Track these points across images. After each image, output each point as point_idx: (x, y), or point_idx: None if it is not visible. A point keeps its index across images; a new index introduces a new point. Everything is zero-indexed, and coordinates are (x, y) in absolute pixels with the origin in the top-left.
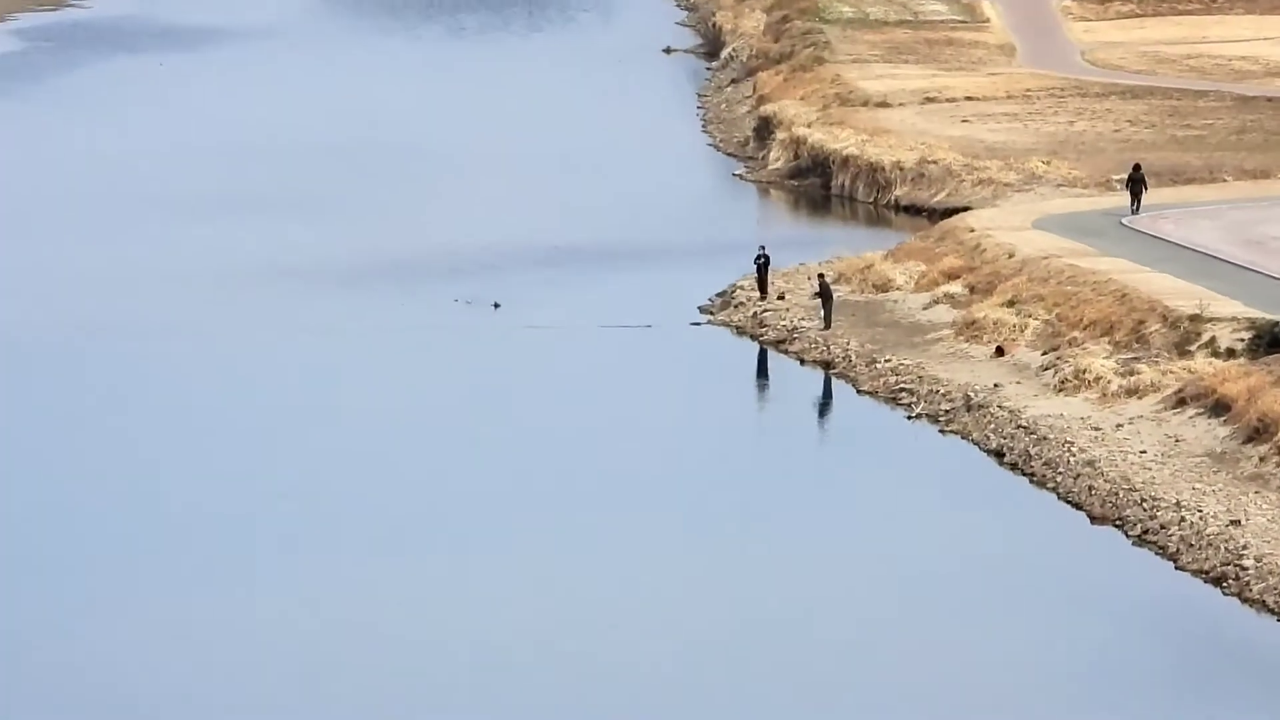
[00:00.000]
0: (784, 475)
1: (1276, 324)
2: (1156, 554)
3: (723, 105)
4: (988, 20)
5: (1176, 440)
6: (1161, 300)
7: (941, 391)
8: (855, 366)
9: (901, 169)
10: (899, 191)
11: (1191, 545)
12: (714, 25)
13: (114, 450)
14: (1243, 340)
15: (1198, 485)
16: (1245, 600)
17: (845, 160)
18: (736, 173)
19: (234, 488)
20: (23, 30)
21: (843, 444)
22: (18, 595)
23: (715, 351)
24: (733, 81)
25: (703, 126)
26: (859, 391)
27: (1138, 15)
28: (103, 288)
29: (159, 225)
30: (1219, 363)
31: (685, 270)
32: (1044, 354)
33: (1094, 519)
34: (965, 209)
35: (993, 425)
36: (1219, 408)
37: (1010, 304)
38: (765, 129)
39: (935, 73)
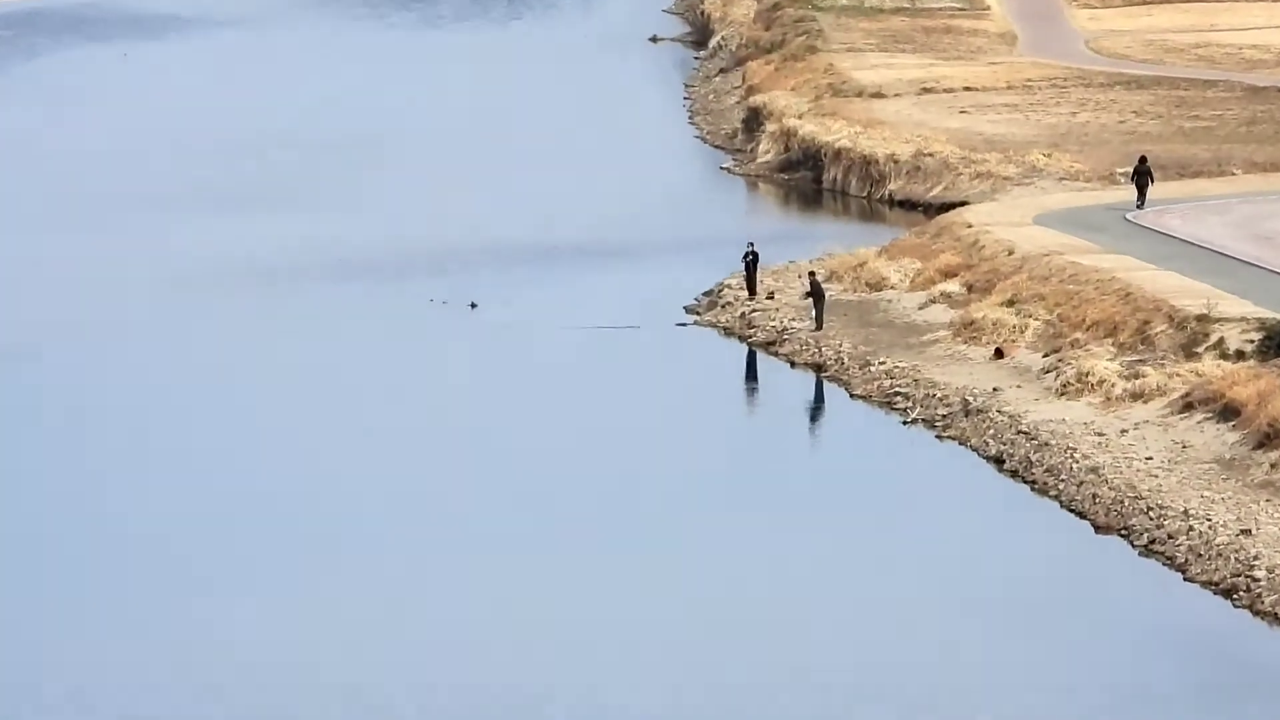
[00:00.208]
0: (773, 484)
1: None
2: (1164, 565)
3: (711, 96)
4: (988, 7)
5: (1184, 446)
6: (1168, 299)
7: (938, 395)
8: (848, 369)
9: (896, 162)
10: (894, 185)
11: (1200, 556)
12: (702, 12)
13: (82, 454)
14: (1252, 341)
15: (1206, 493)
16: (1257, 613)
17: (838, 153)
18: (724, 166)
19: (200, 494)
20: None
21: (835, 451)
22: None
23: (701, 354)
24: (721, 71)
25: (690, 118)
26: (852, 396)
27: (1144, 2)
28: (66, 287)
29: (122, 222)
30: (1228, 365)
31: (670, 268)
32: (1045, 356)
33: (1098, 528)
34: (963, 204)
35: (992, 431)
36: (1228, 412)
37: (1010, 303)
38: (755, 120)
39: (932, 62)
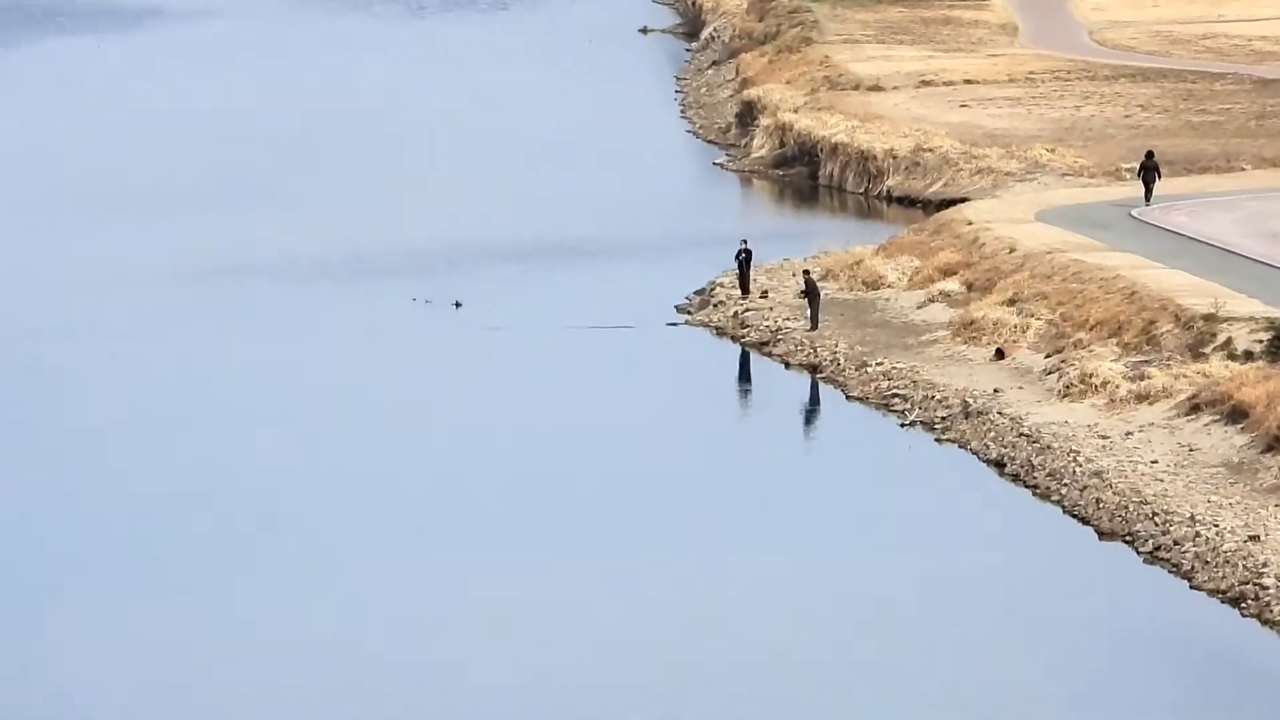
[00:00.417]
0: (768, 489)
1: None
2: (1170, 572)
3: (703, 89)
4: None
5: (1190, 449)
6: (1174, 298)
7: (937, 397)
8: (844, 370)
9: (895, 157)
10: (892, 181)
11: (1207, 563)
12: (693, 3)
13: (61, 457)
14: (1261, 341)
15: (1214, 498)
16: (1266, 622)
17: (834, 148)
18: (717, 161)
19: (183, 496)
20: None
21: (831, 454)
22: None
23: (693, 354)
24: (714, 63)
25: (681, 112)
26: (848, 397)
27: None
28: (39, 288)
29: (95, 221)
30: (1236, 366)
31: (661, 267)
32: (1047, 357)
33: (1102, 534)
34: (963, 200)
35: (993, 434)
36: (1236, 414)
37: (1011, 303)
38: (748, 114)
39: (932, 54)
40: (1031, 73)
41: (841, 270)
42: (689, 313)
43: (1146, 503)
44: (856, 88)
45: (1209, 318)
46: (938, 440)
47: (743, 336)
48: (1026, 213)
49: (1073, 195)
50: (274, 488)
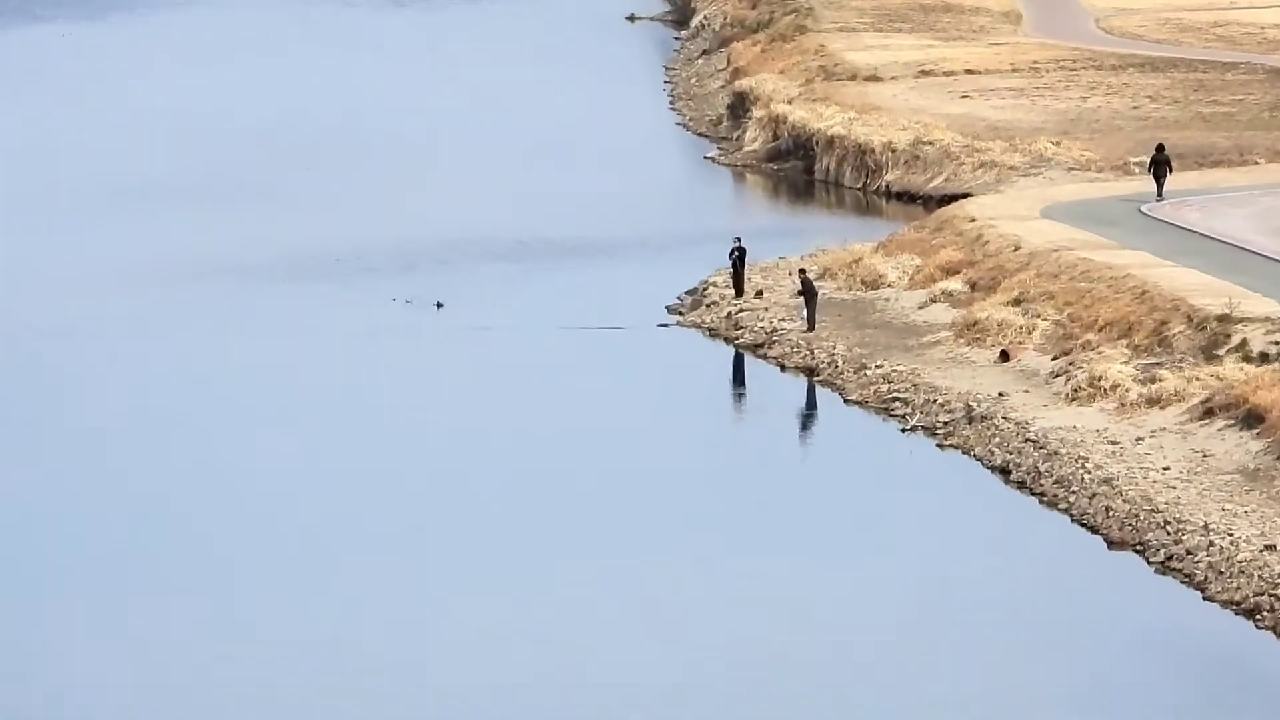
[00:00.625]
0: (764, 495)
1: None
2: (1182, 583)
3: (693, 79)
4: None
5: (1204, 455)
6: (1186, 298)
7: (939, 401)
8: (842, 373)
9: (893, 151)
10: (891, 176)
11: (1221, 573)
12: None
13: (49, 456)
14: (1277, 343)
15: (1228, 506)
16: None
17: (830, 141)
18: (708, 155)
19: (172, 497)
20: None
21: (829, 460)
22: None
23: (685, 357)
24: (704, 53)
25: (670, 103)
26: (847, 401)
27: None
28: (14, 287)
29: (67, 218)
30: (1251, 368)
31: (651, 266)
32: (1054, 359)
33: (1112, 543)
34: (965, 196)
35: (997, 439)
36: (1251, 419)
37: (1016, 303)
38: (740, 106)
39: (931, 43)
40: (1036, 62)
41: (839, 269)
42: (681, 313)
43: (1158, 511)
44: (853, 78)
45: (1223, 318)
46: (940, 446)
47: (737, 338)
48: (1031, 209)
49: (1079, 190)
50: (264, 489)
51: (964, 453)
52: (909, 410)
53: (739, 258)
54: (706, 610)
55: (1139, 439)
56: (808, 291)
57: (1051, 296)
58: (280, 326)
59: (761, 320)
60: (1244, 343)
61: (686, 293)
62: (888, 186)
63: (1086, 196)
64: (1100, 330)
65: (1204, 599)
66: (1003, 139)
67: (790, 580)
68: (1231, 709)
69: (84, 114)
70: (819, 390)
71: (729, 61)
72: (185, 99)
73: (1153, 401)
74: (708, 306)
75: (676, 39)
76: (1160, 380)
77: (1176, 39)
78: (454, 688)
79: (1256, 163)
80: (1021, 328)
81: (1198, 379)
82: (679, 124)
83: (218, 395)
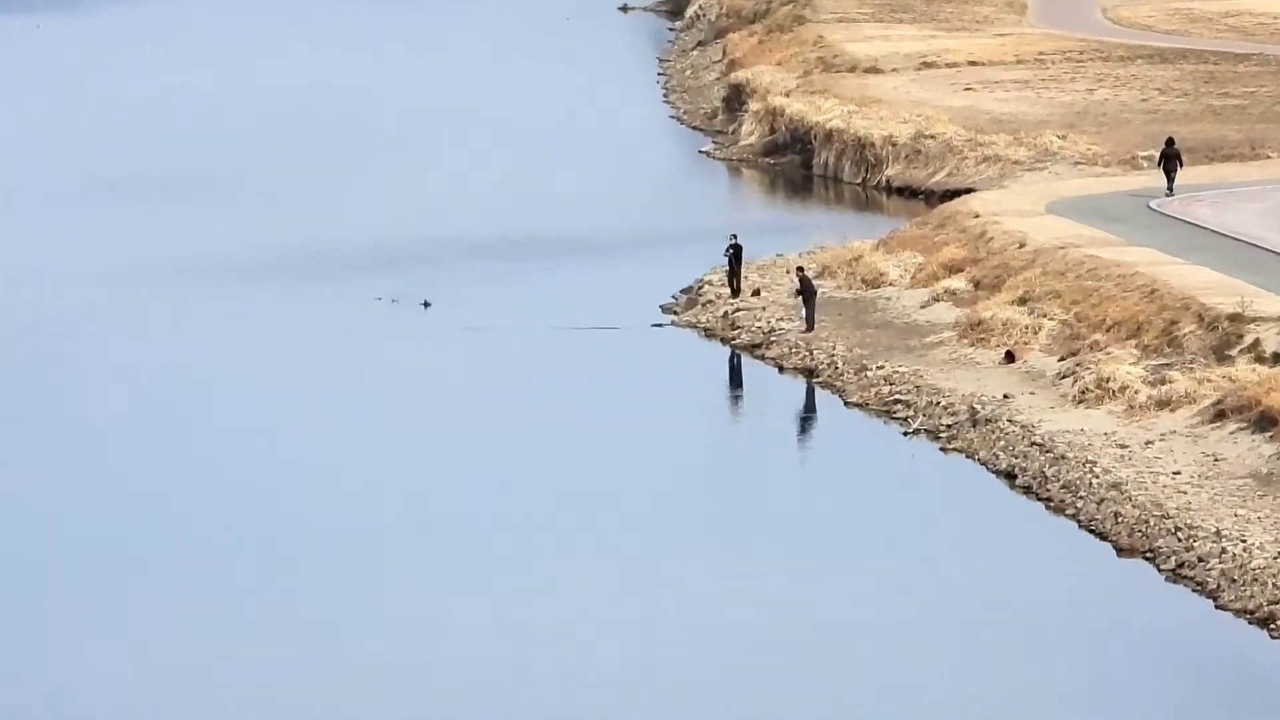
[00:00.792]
0: (762, 502)
1: None
2: (1194, 591)
3: (688, 71)
4: None
5: (1215, 459)
6: (1196, 297)
7: (942, 403)
8: (842, 374)
9: (894, 145)
10: (891, 171)
11: (1234, 581)
12: None
13: (27, 456)
14: None
15: (1241, 511)
16: None
17: (829, 135)
18: (703, 150)
19: (145, 499)
20: None
21: (829, 465)
22: None
23: (681, 357)
24: (699, 44)
25: (664, 96)
26: (847, 403)
27: None
28: None
29: (44, 216)
30: (1264, 369)
31: (645, 264)
32: (1061, 360)
33: (1121, 550)
34: (968, 191)
35: (1002, 442)
36: (1264, 421)
37: (1021, 302)
38: (737, 99)
39: (933, 33)
40: (1041, 53)
41: (839, 267)
42: (675, 313)
43: (1168, 517)
44: (853, 70)
45: (1234, 318)
46: (943, 449)
47: (733, 338)
48: (1037, 204)
49: (1086, 185)
50: (245, 494)
51: (968, 456)
52: (911, 413)
53: (735, 255)
54: (704, 618)
55: (1148, 442)
56: (806, 290)
57: (1058, 295)
58: (261, 326)
59: (759, 320)
60: (1257, 343)
61: (681, 291)
62: (888, 181)
63: (1093, 191)
64: (1108, 330)
65: (1216, 608)
66: (1007, 132)
67: (790, 588)
68: (1246, 718)
69: (61, 109)
70: (818, 392)
71: (725, 53)
72: (166, 93)
73: (1162, 404)
74: (703, 306)
75: (671, 30)
76: (1170, 382)
77: (1186, 29)
78: (444, 692)
79: (1269, 156)
80: (1027, 327)
81: (1209, 380)
82: (673, 117)
83: (197, 397)
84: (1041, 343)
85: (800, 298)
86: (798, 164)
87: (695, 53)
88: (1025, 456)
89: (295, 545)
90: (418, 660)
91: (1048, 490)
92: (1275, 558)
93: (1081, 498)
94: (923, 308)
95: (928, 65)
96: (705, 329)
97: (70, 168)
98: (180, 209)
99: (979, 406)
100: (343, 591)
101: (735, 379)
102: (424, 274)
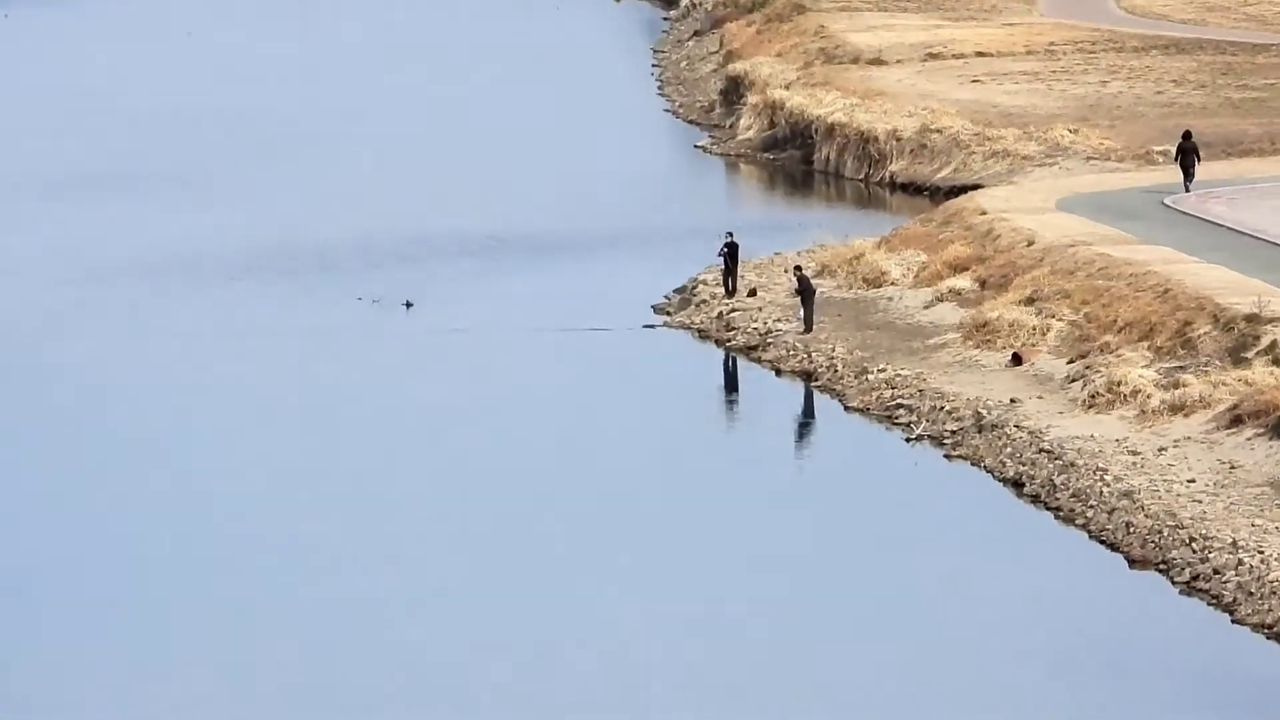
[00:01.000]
0: (758, 511)
1: None
2: (1209, 604)
3: (683, 63)
4: None
5: (1231, 467)
6: (1212, 297)
7: (947, 408)
8: (842, 378)
9: (898, 139)
10: (895, 166)
11: (1251, 594)
12: None
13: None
14: None
15: (1258, 521)
16: None
17: (830, 129)
18: (699, 144)
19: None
20: None
21: (828, 472)
22: None
23: (674, 360)
24: (695, 34)
25: (659, 89)
26: (847, 408)
27: None
28: None
29: (3, 209)
30: None
31: (637, 262)
32: (1070, 363)
33: (1133, 562)
34: (975, 187)
35: (1009, 449)
36: None
37: (1029, 302)
38: (734, 91)
39: (939, 23)
40: (1052, 44)
41: (839, 266)
42: (668, 313)
43: (1183, 527)
44: (855, 61)
45: (1251, 319)
46: (947, 456)
47: (728, 340)
48: (1046, 201)
49: (1098, 181)
50: (218, 501)
51: (973, 464)
52: (914, 418)
53: (731, 254)
54: (700, 634)
55: (1161, 449)
56: (805, 290)
57: (1067, 295)
58: (234, 327)
59: (755, 321)
60: (1274, 345)
61: (675, 291)
62: (892, 177)
63: (1106, 188)
64: (1120, 331)
65: (1233, 621)
66: (1016, 126)
67: (788, 602)
68: None
69: (27, 100)
70: (817, 396)
71: (722, 43)
72: (138, 84)
73: (1176, 408)
74: (697, 306)
75: (665, 19)
76: (1184, 385)
77: (1203, 19)
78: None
79: None
80: (1035, 329)
81: (1225, 384)
82: (668, 110)
83: (168, 401)
84: (1050, 345)
85: (799, 298)
86: (798, 159)
87: (691, 43)
88: (1033, 464)
89: (268, 557)
90: (404, 666)
91: (1056, 499)
92: None
93: (1092, 507)
94: (926, 308)
95: (933, 56)
96: (699, 330)
97: (35, 161)
98: (151, 203)
99: (984, 411)
100: (326, 600)
101: (730, 383)
102: (406, 273)
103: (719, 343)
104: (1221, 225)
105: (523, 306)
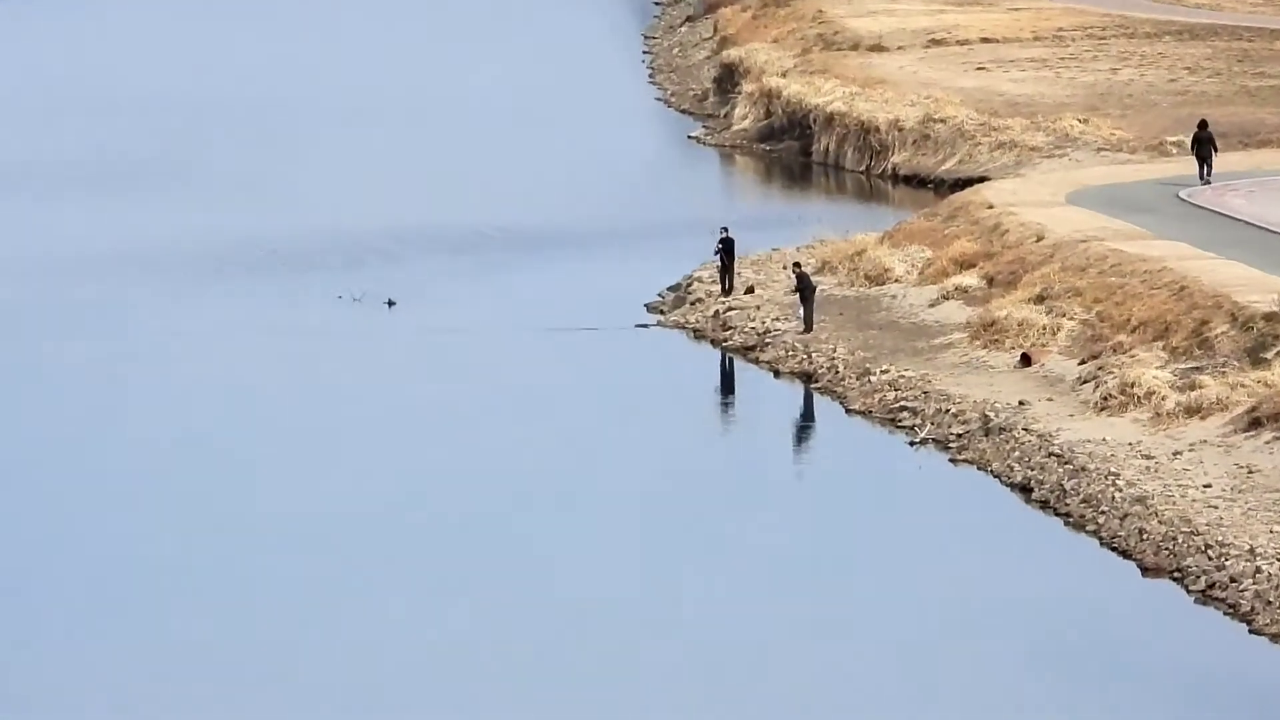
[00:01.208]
0: (757, 519)
1: None
2: (1226, 614)
3: (675, 50)
4: None
5: (1249, 471)
6: (1230, 294)
7: (952, 411)
8: (843, 379)
9: (901, 129)
10: (898, 158)
11: (1270, 603)
12: None
13: None
14: None
15: (1277, 527)
16: None
17: (830, 118)
18: (693, 135)
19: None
20: None
21: (829, 478)
22: None
23: (668, 360)
24: (688, 19)
25: (650, 76)
26: (849, 411)
27: None
28: None
29: None
30: None
31: (629, 259)
32: (1082, 363)
33: (1146, 570)
34: (981, 180)
35: (1018, 453)
36: None
37: (1039, 300)
38: (729, 79)
39: (943, 7)
40: (1060, 29)
41: (840, 262)
42: (662, 312)
43: (1198, 533)
44: (855, 47)
45: (1270, 317)
46: (953, 461)
47: (725, 340)
48: (1056, 194)
49: (1110, 173)
50: (195, 508)
51: (980, 468)
52: (918, 421)
53: (727, 250)
54: (699, 635)
55: (1176, 453)
56: (804, 288)
57: (1078, 293)
58: (209, 326)
59: (752, 320)
60: None
61: (668, 289)
62: (894, 169)
63: (1118, 180)
64: (1133, 331)
65: (1250, 631)
66: (1023, 116)
67: (787, 609)
68: None
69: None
70: (817, 399)
71: (716, 29)
72: (112, 75)
73: (1192, 411)
74: (692, 305)
75: (657, 4)
76: (1201, 387)
77: (1218, 3)
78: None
79: None
80: (1045, 328)
81: (1243, 385)
82: (659, 99)
83: (142, 404)
84: (1060, 344)
85: (798, 296)
86: (795, 150)
87: (683, 29)
88: (1042, 468)
89: (259, 557)
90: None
91: (1067, 505)
92: None
93: (1103, 513)
94: (931, 306)
95: (937, 43)
96: (694, 330)
97: (6, 153)
98: (125, 198)
99: (992, 414)
100: (325, 600)
101: (727, 384)
102: (388, 270)
103: (715, 343)
104: (1239, 219)
105: (507, 305)
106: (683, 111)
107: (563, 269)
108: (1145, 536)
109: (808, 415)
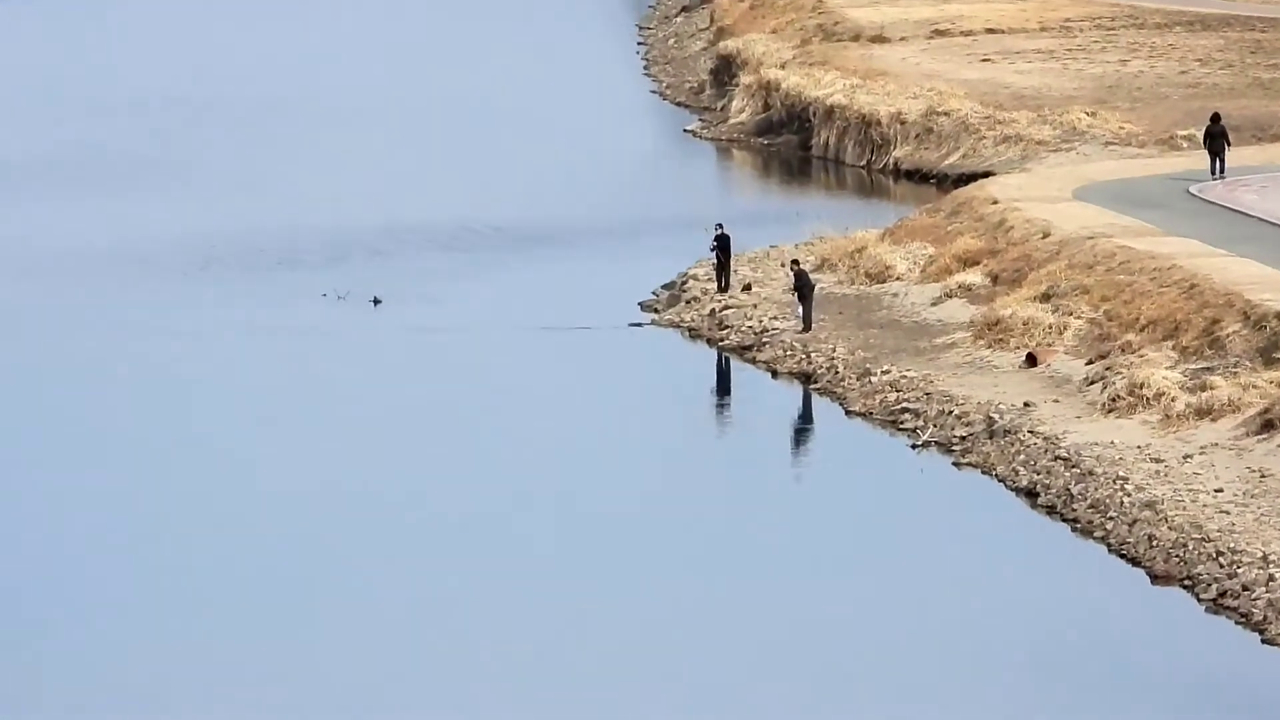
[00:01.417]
0: (754, 524)
1: None
2: (1238, 623)
3: (671, 41)
4: None
5: (1262, 475)
6: (1242, 293)
7: (956, 412)
8: (843, 380)
9: (903, 123)
10: (900, 152)
11: None
12: None
13: None
14: None
15: None
16: None
17: (830, 112)
18: (689, 128)
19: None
20: None
21: (829, 481)
22: None
23: (662, 360)
24: (684, 9)
25: (645, 68)
26: (849, 412)
27: None
28: None
29: None
30: None
31: (623, 256)
32: (1089, 363)
33: (1156, 577)
34: (986, 175)
35: (1023, 456)
36: None
37: (1045, 298)
38: (726, 71)
39: None
40: (1068, 20)
41: (840, 259)
42: (656, 311)
43: (1209, 540)
44: (856, 38)
45: None
46: (956, 464)
47: (721, 339)
48: (1063, 189)
49: (1118, 168)
50: (178, 510)
51: (984, 472)
52: (920, 423)
53: (723, 247)
54: (698, 637)
55: (1187, 456)
56: (803, 286)
57: (1086, 291)
58: (194, 324)
59: (750, 319)
60: None
61: (663, 287)
62: (896, 164)
63: (1126, 175)
64: (1142, 330)
65: (1263, 641)
66: (1029, 109)
67: (786, 612)
68: None
69: None
70: (816, 400)
71: (712, 19)
72: (100, 71)
73: (1203, 412)
74: (687, 303)
75: None
76: (1212, 388)
77: None
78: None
79: None
80: (1051, 327)
81: (1255, 386)
82: (654, 92)
83: (123, 404)
84: (1067, 344)
85: (796, 294)
86: (794, 144)
87: (679, 19)
88: (1048, 472)
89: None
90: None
91: (1074, 510)
92: None
93: (1111, 519)
94: (934, 305)
95: (940, 33)
96: (690, 329)
97: (7, 152)
98: (111, 194)
99: (996, 416)
100: (322, 601)
101: (723, 384)
102: (376, 268)
103: (711, 342)
104: (1251, 215)
105: (499, 303)
106: (678, 104)
107: (553, 266)
108: (1155, 543)
109: (806, 417)
